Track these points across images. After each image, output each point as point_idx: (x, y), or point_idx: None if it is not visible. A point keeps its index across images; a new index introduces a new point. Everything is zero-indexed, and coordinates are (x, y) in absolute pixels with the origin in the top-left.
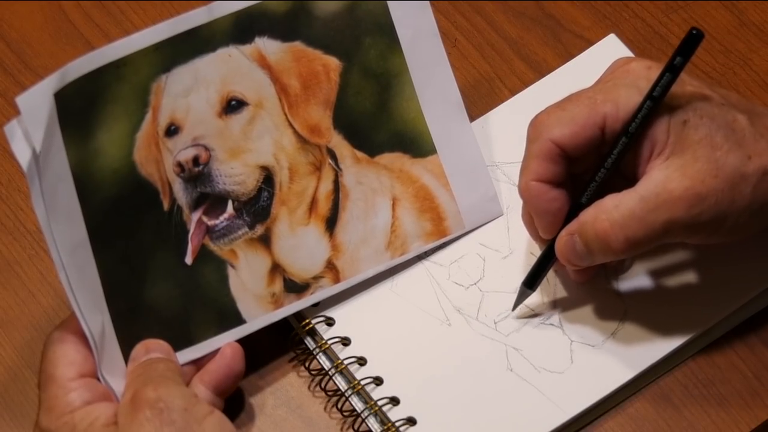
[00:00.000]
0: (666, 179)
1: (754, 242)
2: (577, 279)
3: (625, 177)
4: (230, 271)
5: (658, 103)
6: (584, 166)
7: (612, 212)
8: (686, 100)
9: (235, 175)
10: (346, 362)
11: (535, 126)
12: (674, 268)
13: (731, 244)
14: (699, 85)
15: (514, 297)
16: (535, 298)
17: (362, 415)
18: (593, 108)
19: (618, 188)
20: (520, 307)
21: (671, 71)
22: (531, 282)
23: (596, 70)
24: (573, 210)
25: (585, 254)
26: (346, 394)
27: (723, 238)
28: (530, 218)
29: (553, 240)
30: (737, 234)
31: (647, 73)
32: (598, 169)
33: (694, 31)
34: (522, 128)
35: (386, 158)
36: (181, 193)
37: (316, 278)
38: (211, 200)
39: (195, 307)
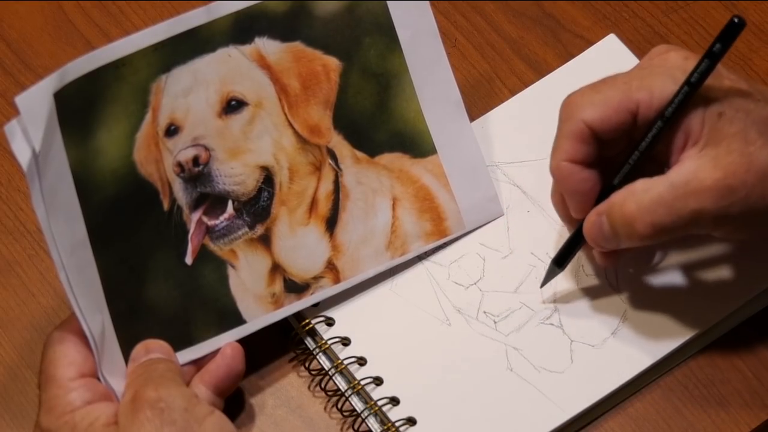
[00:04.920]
0: (698, 168)
1: (754, 242)
2: (602, 263)
3: (659, 165)
4: (230, 271)
5: (695, 89)
6: (615, 151)
7: (641, 196)
8: (723, 93)
9: (235, 175)
10: (346, 362)
11: (568, 106)
12: (674, 269)
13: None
14: (736, 80)
15: (514, 297)
16: (535, 298)
17: (362, 415)
18: (627, 93)
19: (651, 175)
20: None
21: (710, 57)
22: (560, 261)
23: (596, 70)
24: (605, 191)
25: (611, 236)
26: (346, 394)
27: (750, 234)
28: (560, 198)
29: (583, 220)
30: (765, 231)
31: (684, 63)
32: (632, 151)
33: (735, 20)
34: (522, 128)
35: (386, 158)
36: (181, 193)
37: (316, 278)
38: (211, 200)
39: (195, 307)
